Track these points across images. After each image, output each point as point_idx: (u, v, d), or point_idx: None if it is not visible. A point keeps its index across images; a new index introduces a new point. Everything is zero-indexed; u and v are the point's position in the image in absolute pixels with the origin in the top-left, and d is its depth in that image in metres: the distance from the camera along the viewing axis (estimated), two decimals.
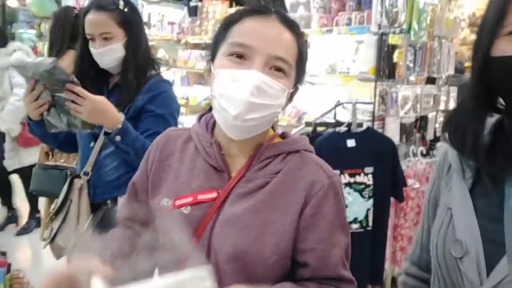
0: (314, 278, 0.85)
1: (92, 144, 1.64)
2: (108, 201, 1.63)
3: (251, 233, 0.83)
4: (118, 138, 1.44)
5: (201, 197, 0.86)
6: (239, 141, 0.88)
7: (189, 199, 0.86)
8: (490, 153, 0.76)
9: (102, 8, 1.57)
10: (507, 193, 0.74)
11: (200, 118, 0.97)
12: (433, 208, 0.90)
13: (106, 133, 1.47)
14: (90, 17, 1.57)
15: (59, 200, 1.65)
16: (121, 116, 1.47)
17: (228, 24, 0.88)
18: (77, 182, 1.63)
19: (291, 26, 0.87)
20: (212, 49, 0.90)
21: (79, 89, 1.37)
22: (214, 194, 0.86)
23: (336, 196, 0.88)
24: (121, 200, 0.98)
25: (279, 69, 0.84)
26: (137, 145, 1.47)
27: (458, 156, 0.83)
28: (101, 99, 1.43)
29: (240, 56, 0.83)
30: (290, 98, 0.92)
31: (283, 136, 0.96)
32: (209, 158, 0.90)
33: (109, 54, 1.58)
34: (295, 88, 0.92)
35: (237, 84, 0.81)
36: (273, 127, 0.98)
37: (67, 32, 2.51)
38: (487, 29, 0.73)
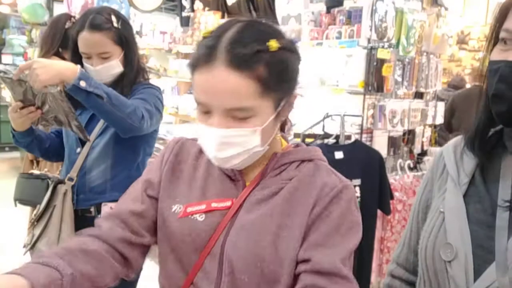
0: (311, 271, 0.79)
1: (78, 150, 1.63)
2: (92, 208, 1.62)
3: (266, 238, 0.81)
4: (82, 83, 1.34)
5: (215, 205, 0.85)
6: None
7: (203, 207, 0.85)
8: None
9: (97, 27, 1.53)
10: (500, 201, 0.75)
11: None
12: (424, 210, 0.90)
13: (70, 89, 1.35)
14: (86, 37, 1.53)
15: (41, 206, 1.62)
16: (74, 64, 1.40)
17: (191, 72, 0.84)
18: (61, 188, 1.61)
19: (243, 62, 0.75)
20: None
21: (20, 65, 1.37)
22: (228, 203, 0.86)
23: (348, 199, 0.85)
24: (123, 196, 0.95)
25: (240, 117, 0.79)
26: (107, 89, 1.40)
27: (455, 160, 0.84)
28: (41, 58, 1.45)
29: (206, 112, 0.81)
30: (285, 113, 0.87)
31: (297, 146, 0.95)
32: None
33: (107, 71, 1.58)
34: (287, 103, 0.84)
35: (205, 140, 0.82)
36: (286, 139, 0.96)
37: (57, 38, 2.51)
38: (493, 35, 0.77)
